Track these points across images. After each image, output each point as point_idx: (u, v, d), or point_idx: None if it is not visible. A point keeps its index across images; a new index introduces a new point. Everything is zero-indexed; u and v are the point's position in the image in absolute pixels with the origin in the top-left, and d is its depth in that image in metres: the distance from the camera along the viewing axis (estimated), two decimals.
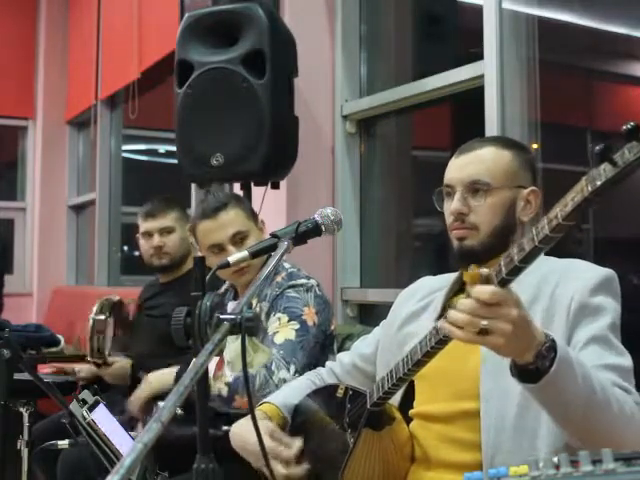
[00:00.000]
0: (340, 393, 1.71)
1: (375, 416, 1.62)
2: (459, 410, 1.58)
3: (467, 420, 1.55)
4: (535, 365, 1.26)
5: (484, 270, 1.22)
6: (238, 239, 2.32)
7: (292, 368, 2.16)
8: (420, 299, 1.79)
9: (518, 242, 1.19)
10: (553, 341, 1.26)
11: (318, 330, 2.29)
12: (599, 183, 1.05)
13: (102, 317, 2.90)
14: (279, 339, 2.21)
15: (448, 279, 1.76)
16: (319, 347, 2.30)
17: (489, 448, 1.50)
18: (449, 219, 1.65)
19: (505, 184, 1.63)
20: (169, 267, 3.09)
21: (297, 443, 1.70)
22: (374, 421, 1.62)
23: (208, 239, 2.33)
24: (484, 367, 1.54)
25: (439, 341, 1.37)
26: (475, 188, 1.62)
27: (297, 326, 2.24)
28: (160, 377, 2.47)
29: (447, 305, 1.68)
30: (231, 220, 2.33)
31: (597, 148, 1.03)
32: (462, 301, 1.22)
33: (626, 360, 1.49)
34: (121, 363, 2.96)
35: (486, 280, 1.21)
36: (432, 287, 1.79)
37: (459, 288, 1.71)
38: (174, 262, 3.07)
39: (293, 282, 2.33)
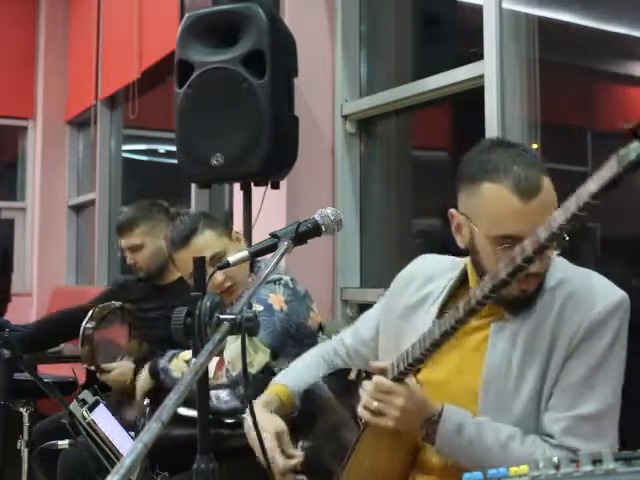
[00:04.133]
0: (352, 377, 1.72)
1: None
2: None
3: None
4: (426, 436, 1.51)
5: (381, 364, 1.54)
6: (217, 260, 2.30)
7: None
8: (418, 288, 1.75)
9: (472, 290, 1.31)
10: (439, 417, 1.48)
11: (286, 318, 2.27)
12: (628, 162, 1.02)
13: (89, 326, 2.74)
14: None
15: (449, 265, 1.73)
16: (288, 337, 2.28)
17: None
18: (519, 274, 1.37)
19: None
20: (150, 278, 3.07)
21: (296, 459, 1.66)
22: None
23: (187, 269, 2.30)
24: (484, 385, 1.54)
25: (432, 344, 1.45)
26: None
27: (260, 308, 2.23)
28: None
29: (447, 307, 1.68)
30: (205, 244, 2.33)
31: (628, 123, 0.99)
32: (364, 383, 1.52)
33: (599, 403, 1.47)
34: (119, 370, 2.79)
35: (381, 372, 1.51)
36: (431, 274, 1.75)
37: (459, 287, 1.69)
38: (151, 274, 3.05)
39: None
